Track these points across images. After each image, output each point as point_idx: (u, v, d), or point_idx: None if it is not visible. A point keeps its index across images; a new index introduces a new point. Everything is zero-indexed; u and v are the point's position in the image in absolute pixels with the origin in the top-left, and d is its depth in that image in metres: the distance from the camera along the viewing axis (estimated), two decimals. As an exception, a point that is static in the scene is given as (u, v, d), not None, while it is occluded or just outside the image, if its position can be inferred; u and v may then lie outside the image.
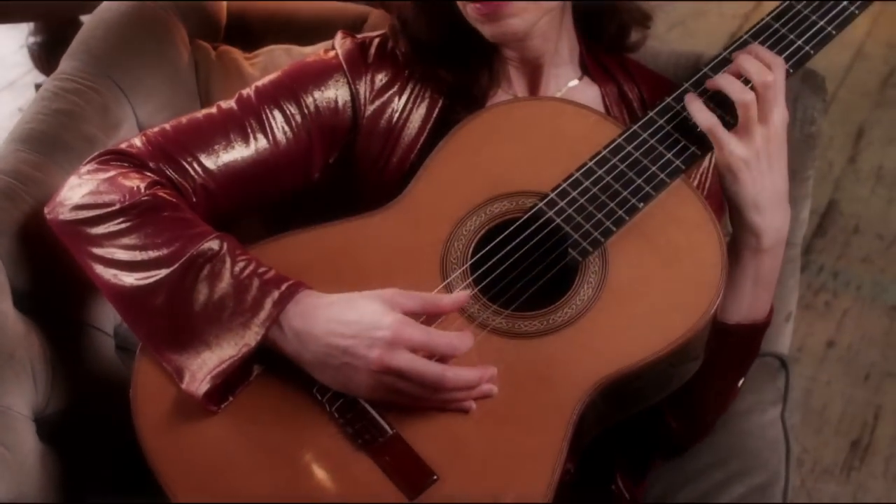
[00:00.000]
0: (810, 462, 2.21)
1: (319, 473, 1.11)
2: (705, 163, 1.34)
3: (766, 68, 1.18)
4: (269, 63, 1.61)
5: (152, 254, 1.15)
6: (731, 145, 1.19)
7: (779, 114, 1.19)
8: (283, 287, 1.12)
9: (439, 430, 1.11)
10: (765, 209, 1.21)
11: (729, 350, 1.28)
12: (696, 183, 1.33)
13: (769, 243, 1.23)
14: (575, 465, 1.25)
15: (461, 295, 1.15)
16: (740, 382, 1.35)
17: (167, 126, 1.28)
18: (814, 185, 1.59)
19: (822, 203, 2.84)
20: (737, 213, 1.23)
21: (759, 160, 1.19)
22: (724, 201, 1.26)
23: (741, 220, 1.23)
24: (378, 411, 1.12)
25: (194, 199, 1.25)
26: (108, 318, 1.44)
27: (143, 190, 1.18)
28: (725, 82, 1.20)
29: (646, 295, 1.16)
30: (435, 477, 1.09)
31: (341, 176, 1.34)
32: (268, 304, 1.12)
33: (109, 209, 1.18)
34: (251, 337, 1.11)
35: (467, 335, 1.12)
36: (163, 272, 1.14)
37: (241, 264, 1.14)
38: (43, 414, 1.29)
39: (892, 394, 2.36)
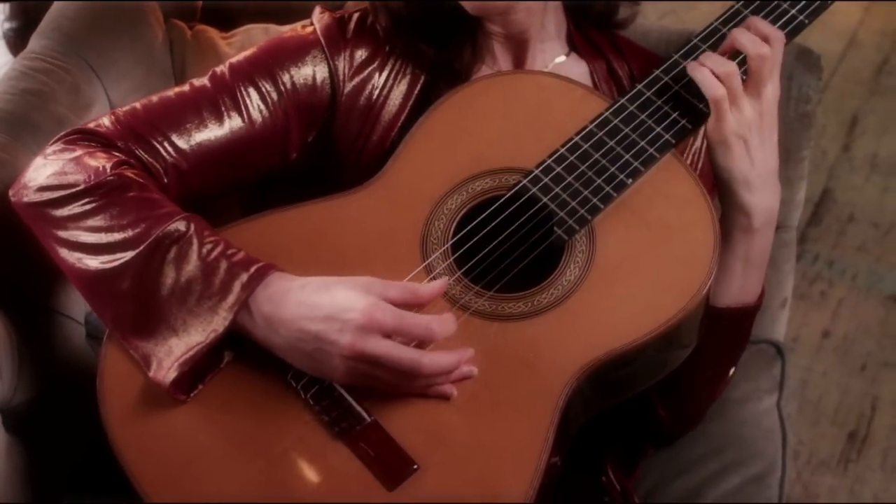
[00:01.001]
0: (806, 454, 2.18)
1: (294, 463, 1.07)
2: (697, 143, 1.32)
3: (760, 41, 1.15)
4: (247, 42, 1.59)
5: (117, 236, 1.12)
6: (730, 118, 1.15)
7: (771, 88, 1.17)
8: (252, 269, 1.09)
9: (420, 418, 1.08)
10: (756, 187, 1.19)
11: (719, 335, 1.25)
12: (687, 163, 1.30)
13: (760, 222, 1.20)
14: (562, 458, 1.22)
15: (440, 283, 1.11)
16: (731, 371, 1.32)
17: (137, 105, 1.25)
18: (808, 173, 1.56)
19: (817, 191, 2.82)
20: (727, 191, 1.20)
21: (751, 135, 1.17)
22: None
23: (732, 198, 1.20)
24: (355, 398, 1.08)
25: (165, 180, 1.22)
26: (78, 305, 1.41)
27: (108, 170, 1.14)
28: (705, 58, 1.17)
29: (635, 274, 1.13)
30: (415, 466, 1.06)
31: (320, 155, 1.31)
32: (236, 287, 1.08)
33: (74, 190, 1.14)
34: (219, 322, 1.07)
35: (449, 319, 1.07)
36: (128, 255, 1.11)
37: (209, 246, 1.10)
38: (9, 404, 1.25)
39: (888, 384, 2.34)
